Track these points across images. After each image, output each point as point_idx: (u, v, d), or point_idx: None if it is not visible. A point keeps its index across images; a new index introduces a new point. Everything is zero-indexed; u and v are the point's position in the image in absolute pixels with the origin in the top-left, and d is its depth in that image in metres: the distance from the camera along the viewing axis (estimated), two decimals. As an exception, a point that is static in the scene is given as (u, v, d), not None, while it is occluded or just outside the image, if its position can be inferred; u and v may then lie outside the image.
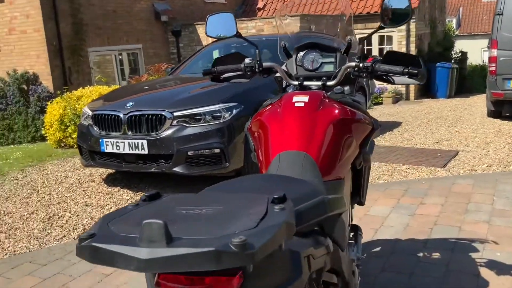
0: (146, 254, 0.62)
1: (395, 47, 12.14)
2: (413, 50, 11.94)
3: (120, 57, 11.74)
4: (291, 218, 0.75)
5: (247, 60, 2.10)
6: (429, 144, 6.13)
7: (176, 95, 4.44)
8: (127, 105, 4.29)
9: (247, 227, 0.69)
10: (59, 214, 4.01)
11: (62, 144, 6.82)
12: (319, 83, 2.05)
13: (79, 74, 10.39)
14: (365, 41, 2.00)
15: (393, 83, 2.03)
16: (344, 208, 1.04)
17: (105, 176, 5.09)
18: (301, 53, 2.17)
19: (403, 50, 11.87)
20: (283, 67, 2.25)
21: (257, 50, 2.12)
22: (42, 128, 7.41)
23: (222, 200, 0.85)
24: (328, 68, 2.11)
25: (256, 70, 2.11)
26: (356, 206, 2.18)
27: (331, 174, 1.65)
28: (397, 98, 11.99)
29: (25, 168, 5.68)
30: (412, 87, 12.31)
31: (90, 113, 4.57)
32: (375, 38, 12.29)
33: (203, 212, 0.76)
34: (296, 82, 2.10)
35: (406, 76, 1.87)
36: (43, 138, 8.16)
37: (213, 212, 0.76)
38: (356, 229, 1.97)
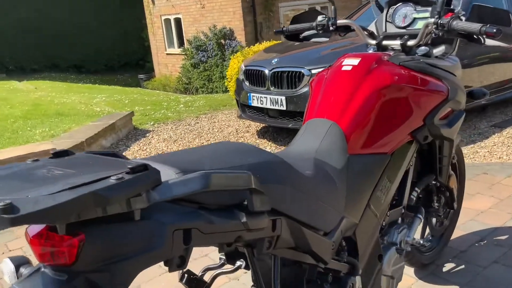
0: None
1: None
2: None
3: (315, 11, 11.88)
4: (110, 191, 0.76)
5: (319, 18, 1.99)
6: None
7: (318, 52, 4.37)
8: (273, 61, 4.42)
9: (44, 192, 0.73)
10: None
11: (239, 96, 7.39)
12: (399, 42, 1.83)
13: (270, 29, 10.91)
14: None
15: (483, 43, 1.68)
16: (246, 185, 0.96)
17: (259, 128, 5.39)
18: (393, 8, 1.95)
19: None
20: (372, 24, 2.06)
21: (332, 6, 1.98)
22: (225, 80, 8.12)
23: (90, 164, 0.89)
24: (422, 24, 1.86)
25: (330, 28, 1.98)
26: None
27: (367, 148, 1.50)
28: None
29: (200, 115, 6.38)
30: None
31: (243, 68, 4.85)
32: None
33: (52, 174, 0.82)
34: (373, 42, 1.91)
35: (484, 36, 1.54)
36: (232, 89, 8.95)
37: (58, 175, 0.81)
38: (416, 211, 1.75)
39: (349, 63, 1.63)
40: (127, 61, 18.07)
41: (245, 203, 1.02)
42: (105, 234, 0.83)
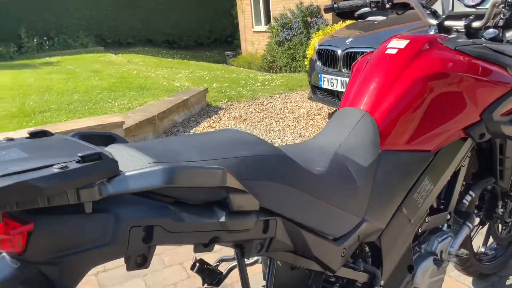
0: None
1: None
2: None
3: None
4: (46, 181, 0.69)
5: None
6: None
7: (393, 32, 4.04)
8: (347, 41, 4.17)
9: None
10: (273, 141, 4.37)
11: (318, 76, 7.18)
12: (463, 23, 1.59)
13: (359, 7, 10.44)
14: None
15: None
16: (219, 183, 0.84)
17: (332, 111, 5.18)
18: None
19: None
20: (439, 2, 1.82)
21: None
22: (306, 59, 7.92)
23: (56, 148, 0.83)
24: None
25: (386, 5, 1.78)
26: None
27: (404, 144, 1.32)
28: None
29: (274, 95, 6.28)
30: None
31: (317, 47, 4.65)
32: None
33: (5, 158, 0.77)
34: (434, 22, 1.68)
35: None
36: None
37: (9, 159, 0.76)
38: (465, 217, 1.53)
39: (395, 45, 1.43)
40: (216, 37, 18.38)
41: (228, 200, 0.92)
42: (54, 225, 0.77)
